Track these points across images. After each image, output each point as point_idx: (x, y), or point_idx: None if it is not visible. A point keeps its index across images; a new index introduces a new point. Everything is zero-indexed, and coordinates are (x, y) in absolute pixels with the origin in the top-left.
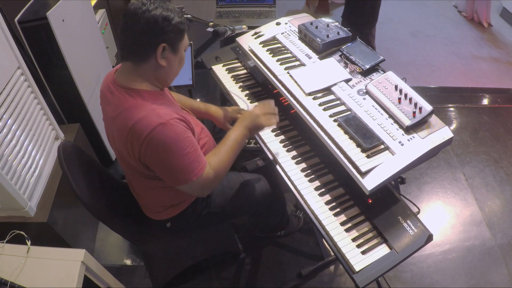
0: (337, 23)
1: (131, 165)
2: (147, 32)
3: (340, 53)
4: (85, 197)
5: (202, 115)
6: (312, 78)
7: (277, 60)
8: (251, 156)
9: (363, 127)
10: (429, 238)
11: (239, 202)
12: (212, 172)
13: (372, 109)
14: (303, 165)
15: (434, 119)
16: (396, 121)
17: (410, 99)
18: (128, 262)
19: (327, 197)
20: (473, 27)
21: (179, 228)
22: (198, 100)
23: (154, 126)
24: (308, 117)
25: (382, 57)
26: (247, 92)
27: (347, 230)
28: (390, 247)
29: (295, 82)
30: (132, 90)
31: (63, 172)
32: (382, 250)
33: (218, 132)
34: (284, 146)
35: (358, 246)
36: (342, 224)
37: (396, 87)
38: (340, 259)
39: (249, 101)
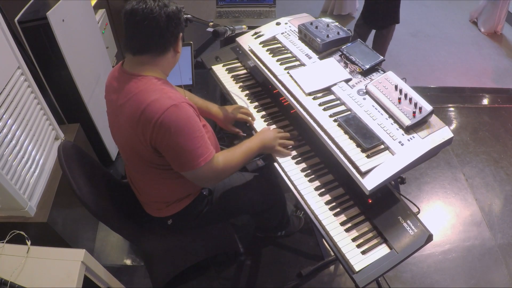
0: (337, 23)
1: (139, 154)
2: (171, 25)
3: (340, 53)
4: (85, 197)
5: (204, 114)
6: (312, 78)
7: (277, 60)
8: None
9: (363, 127)
10: (429, 238)
11: (240, 200)
12: (221, 163)
13: (372, 109)
14: (303, 165)
15: (434, 119)
16: (396, 121)
17: (410, 99)
18: (128, 262)
19: (327, 197)
20: (473, 27)
21: (180, 225)
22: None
23: (167, 107)
24: (308, 117)
25: (382, 57)
26: (247, 92)
27: (347, 230)
28: (390, 247)
29: (295, 82)
30: (142, 76)
31: (63, 172)
32: (382, 250)
33: (218, 132)
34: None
35: (358, 246)
36: (342, 224)
37: (396, 87)
38: (340, 259)
39: (249, 101)
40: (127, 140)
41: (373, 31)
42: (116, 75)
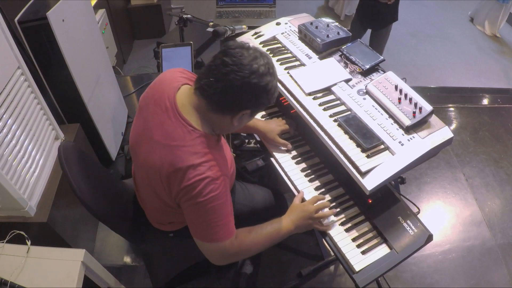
0: (337, 23)
1: (156, 193)
2: (241, 95)
3: (340, 53)
4: (85, 197)
5: (251, 130)
6: (312, 78)
7: (277, 60)
8: (251, 156)
9: (363, 127)
10: (429, 238)
11: (243, 212)
12: (236, 246)
13: (372, 109)
14: (303, 165)
15: (434, 119)
16: (396, 121)
17: (410, 99)
18: (128, 262)
19: (327, 197)
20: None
21: (182, 237)
22: None
23: (202, 178)
24: (308, 117)
25: (382, 57)
26: None
27: (347, 230)
28: (390, 247)
29: (295, 82)
30: (193, 129)
31: (63, 172)
32: (382, 250)
33: (234, 139)
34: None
35: (358, 246)
36: (342, 224)
37: (396, 87)
38: (340, 259)
39: None
40: (148, 173)
41: (369, 30)
42: (166, 102)
